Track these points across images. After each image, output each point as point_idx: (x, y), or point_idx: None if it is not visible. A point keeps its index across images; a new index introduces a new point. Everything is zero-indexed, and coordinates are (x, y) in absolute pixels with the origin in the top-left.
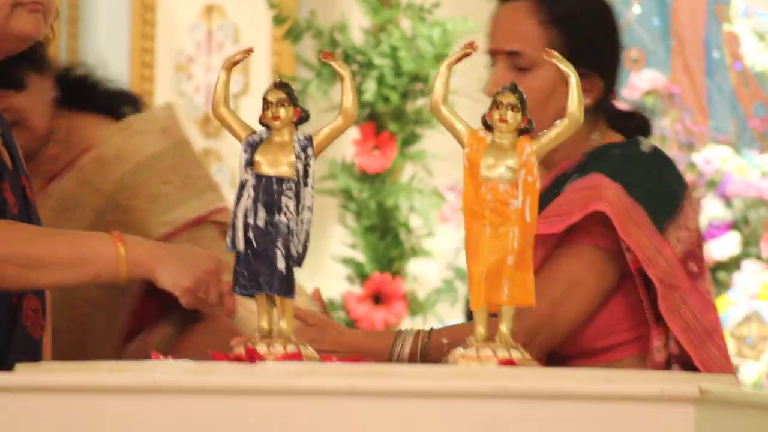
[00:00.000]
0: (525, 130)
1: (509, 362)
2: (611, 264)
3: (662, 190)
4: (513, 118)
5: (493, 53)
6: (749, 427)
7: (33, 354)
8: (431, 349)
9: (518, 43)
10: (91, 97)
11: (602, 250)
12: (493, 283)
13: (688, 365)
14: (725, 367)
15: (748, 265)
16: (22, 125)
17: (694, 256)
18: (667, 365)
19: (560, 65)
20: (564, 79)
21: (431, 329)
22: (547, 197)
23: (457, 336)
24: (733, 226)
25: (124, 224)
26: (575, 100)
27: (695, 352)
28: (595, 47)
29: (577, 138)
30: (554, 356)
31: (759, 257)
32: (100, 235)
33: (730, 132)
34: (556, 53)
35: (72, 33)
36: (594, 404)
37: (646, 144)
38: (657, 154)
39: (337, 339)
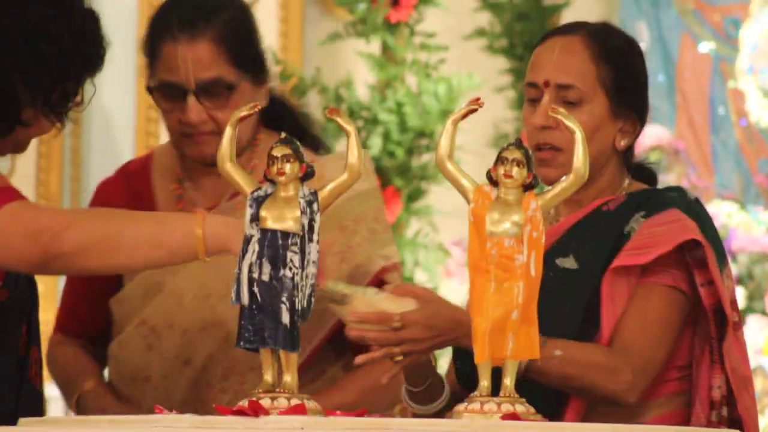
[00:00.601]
0: (530, 186)
1: (513, 416)
2: (686, 306)
3: (718, 236)
4: (518, 173)
5: (536, 85)
6: None
7: (39, 406)
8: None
9: (571, 77)
10: (292, 121)
11: (682, 293)
12: (497, 338)
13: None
14: (755, 417)
15: (753, 320)
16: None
17: (735, 305)
18: (721, 406)
19: (566, 122)
20: (611, 119)
21: (546, 338)
22: (580, 232)
23: (571, 352)
24: (738, 281)
25: (347, 244)
26: (581, 157)
27: (739, 396)
28: (639, 90)
29: (613, 178)
30: None
31: (764, 312)
32: (181, 216)
33: (734, 188)
34: (562, 110)
35: None
36: None
37: (690, 193)
38: (701, 204)
39: (453, 316)
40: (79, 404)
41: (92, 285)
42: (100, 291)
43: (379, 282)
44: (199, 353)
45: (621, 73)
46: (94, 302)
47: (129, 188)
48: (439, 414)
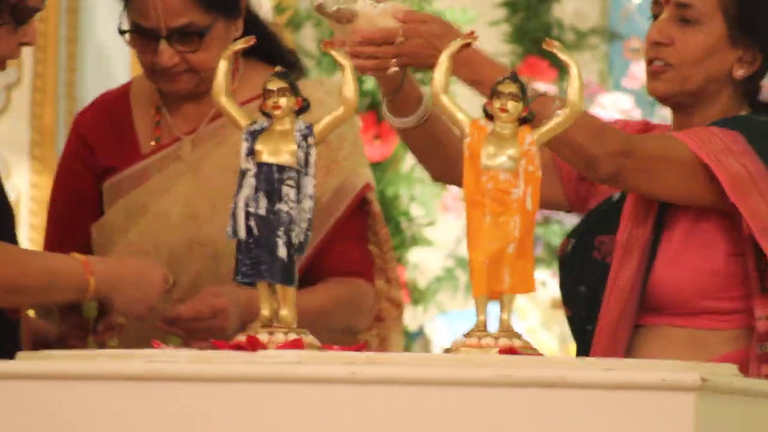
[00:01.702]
0: (525, 120)
1: (511, 350)
2: (704, 179)
3: None
4: (514, 107)
5: (660, 3)
6: (750, 415)
7: (11, 335)
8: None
9: None
10: (269, 50)
11: (704, 167)
12: (494, 272)
13: None
14: None
15: None
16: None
17: None
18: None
19: (561, 55)
20: (729, 45)
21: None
22: None
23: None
24: None
25: (333, 159)
26: (576, 90)
27: None
28: (763, 22)
29: (727, 110)
30: (655, 310)
31: None
32: (71, 263)
33: None
34: (557, 42)
35: (71, 23)
36: (595, 392)
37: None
38: None
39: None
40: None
41: (75, 210)
42: (83, 215)
43: (362, 200)
44: (186, 273)
45: (745, 2)
46: (78, 227)
47: (107, 117)
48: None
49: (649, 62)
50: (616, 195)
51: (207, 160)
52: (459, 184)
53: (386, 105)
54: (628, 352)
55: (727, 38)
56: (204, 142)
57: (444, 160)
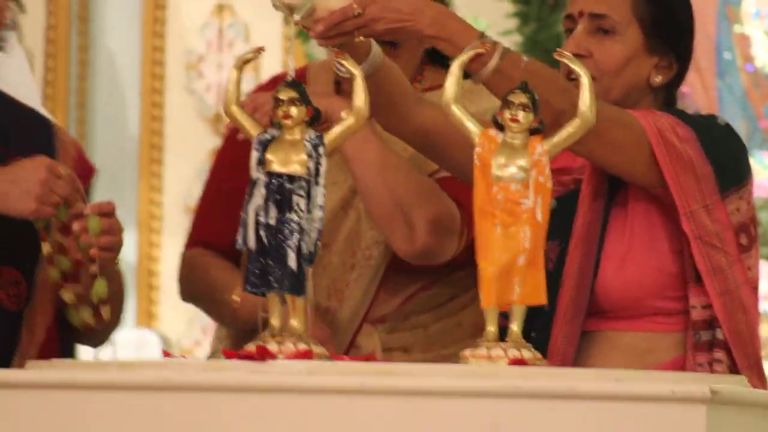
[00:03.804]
0: (536, 130)
1: (520, 362)
2: (650, 154)
3: (735, 158)
4: (525, 117)
5: (573, 18)
6: (760, 427)
7: (8, 326)
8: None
9: (605, 6)
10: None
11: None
12: (504, 282)
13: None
14: (749, 347)
15: (761, 267)
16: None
17: (747, 230)
18: (708, 326)
19: (572, 65)
20: (646, 53)
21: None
22: None
23: (537, 65)
24: None
25: None
26: (587, 101)
27: (726, 319)
28: (677, 29)
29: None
30: (599, 314)
31: None
32: None
33: (741, 133)
34: (567, 53)
35: (82, 31)
36: (605, 404)
37: (721, 119)
38: (733, 130)
39: (414, 2)
40: (242, 305)
41: (229, 197)
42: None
43: None
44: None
45: (659, 9)
46: (231, 216)
47: None
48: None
49: (568, 76)
50: (553, 203)
51: None
52: (408, 142)
53: (333, 53)
54: (577, 360)
55: (644, 46)
56: None
57: (396, 116)
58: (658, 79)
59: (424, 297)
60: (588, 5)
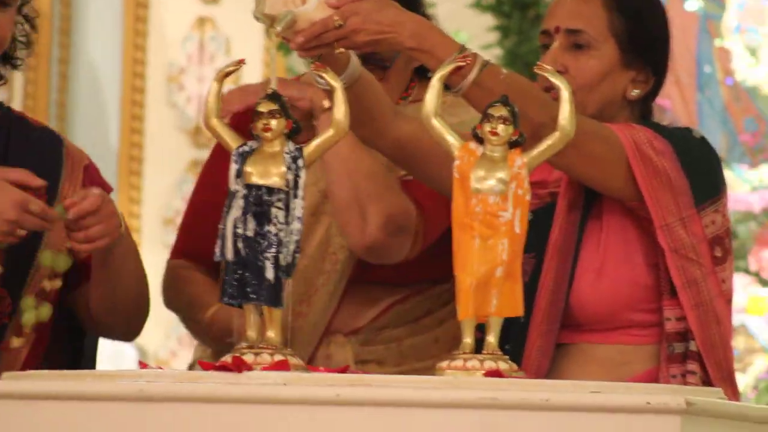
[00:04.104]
0: (516, 143)
1: (496, 373)
2: (627, 167)
3: (710, 171)
4: (504, 131)
5: (549, 33)
6: None
7: None
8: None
9: (581, 22)
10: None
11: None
12: (481, 294)
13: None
14: (722, 358)
15: (737, 279)
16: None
17: (722, 243)
18: (681, 338)
19: (553, 79)
20: (622, 67)
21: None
22: None
23: (515, 77)
24: None
25: None
26: (567, 115)
27: (700, 331)
28: (653, 43)
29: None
30: (573, 327)
31: (747, 271)
32: None
33: (720, 147)
34: (548, 67)
35: (64, 43)
36: (581, 415)
37: (697, 132)
38: (708, 142)
39: (396, 14)
40: (215, 320)
41: (214, 208)
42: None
43: None
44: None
45: (634, 24)
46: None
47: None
48: None
49: (546, 90)
50: (529, 216)
51: None
52: (385, 154)
53: (313, 66)
54: (551, 372)
55: (620, 61)
56: None
57: (373, 129)
58: (634, 93)
59: (399, 310)
60: (564, 21)
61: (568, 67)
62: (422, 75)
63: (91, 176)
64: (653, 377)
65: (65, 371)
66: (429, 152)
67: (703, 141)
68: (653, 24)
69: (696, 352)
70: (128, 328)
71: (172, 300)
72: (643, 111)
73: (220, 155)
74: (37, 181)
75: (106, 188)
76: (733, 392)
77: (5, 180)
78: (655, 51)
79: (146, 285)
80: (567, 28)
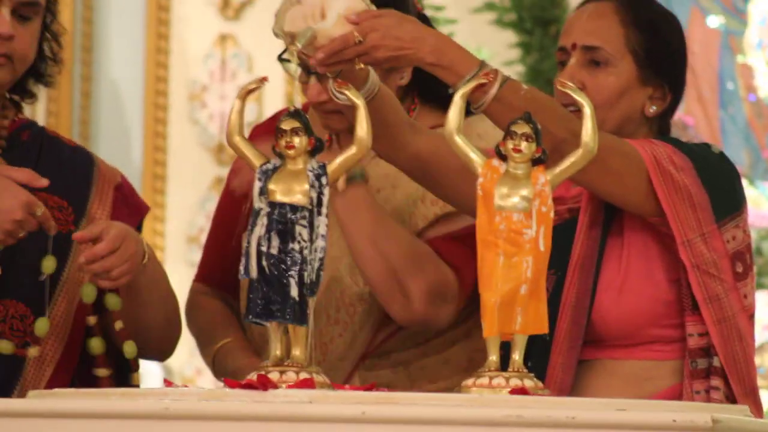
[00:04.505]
0: (539, 160)
1: (522, 391)
2: (648, 183)
3: (730, 186)
4: (527, 148)
5: (566, 50)
6: None
7: (10, 365)
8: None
9: (598, 38)
10: (442, 94)
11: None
12: (506, 312)
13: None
14: (745, 374)
15: (761, 296)
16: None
17: (743, 258)
18: (704, 354)
19: (575, 95)
20: (640, 84)
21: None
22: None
23: (536, 92)
24: None
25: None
26: (590, 132)
27: (722, 346)
28: (671, 60)
29: None
30: (595, 343)
31: None
32: None
33: (743, 163)
34: (570, 83)
35: (86, 60)
36: None
37: (715, 148)
38: (727, 158)
39: (416, 30)
40: (216, 359)
41: (233, 234)
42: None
43: None
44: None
45: (651, 41)
46: (236, 253)
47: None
48: None
49: (566, 106)
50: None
51: None
52: (403, 169)
53: (331, 82)
54: (574, 389)
55: (638, 77)
56: None
57: (391, 143)
58: (652, 110)
59: (407, 333)
60: (581, 38)
61: (586, 84)
62: (423, 98)
63: (124, 195)
64: (677, 393)
65: (90, 389)
66: (447, 167)
67: (722, 156)
68: (670, 39)
69: (719, 367)
70: (160, 349)
71: (189, 325)
72: (661, 127)
73: (234, 176)
74: (41, 182)
75: (142, 207)
76: (756, 408)
77: (11, 180)
78: (672, 66)
79: (176, 308)
80: (584, 45)
